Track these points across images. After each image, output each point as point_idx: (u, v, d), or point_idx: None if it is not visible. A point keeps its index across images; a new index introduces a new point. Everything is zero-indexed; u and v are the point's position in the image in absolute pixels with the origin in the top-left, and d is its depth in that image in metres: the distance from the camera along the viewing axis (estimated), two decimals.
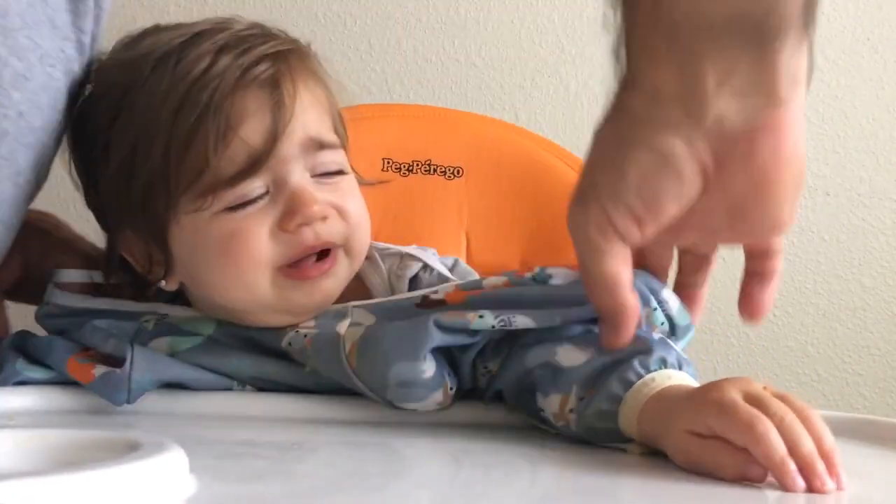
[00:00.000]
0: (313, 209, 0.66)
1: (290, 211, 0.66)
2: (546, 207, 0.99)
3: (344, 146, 0.73)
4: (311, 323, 0.70)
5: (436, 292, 0.68)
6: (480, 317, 0.63)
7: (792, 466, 0.44)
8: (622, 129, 0.52)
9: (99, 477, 0.33)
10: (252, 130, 0.66)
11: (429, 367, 0.63)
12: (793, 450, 0.45)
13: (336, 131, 0.73)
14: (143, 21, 1.34)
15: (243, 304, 0.69)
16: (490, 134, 1.02)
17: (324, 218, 0.67)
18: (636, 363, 0.56)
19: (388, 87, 1.31)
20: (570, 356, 0.61)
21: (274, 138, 0.66)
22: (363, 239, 0.72)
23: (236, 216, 0.66)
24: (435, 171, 0.99)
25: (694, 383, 0.55)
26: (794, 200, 0.52)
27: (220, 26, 0.70)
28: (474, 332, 0.64)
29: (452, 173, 1.00)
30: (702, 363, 1.33)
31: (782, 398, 0.48)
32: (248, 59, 0.67)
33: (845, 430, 0.59)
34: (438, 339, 0.63)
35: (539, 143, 1.04)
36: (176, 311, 0.73)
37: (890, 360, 1.33)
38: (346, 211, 0.69)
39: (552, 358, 0.62)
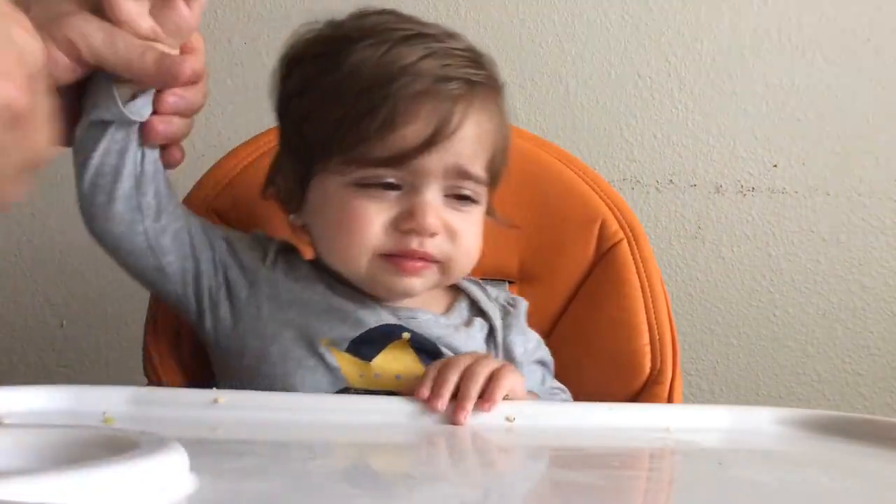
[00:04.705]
0: (428, 222, 0.76)
1: (409, 215, 0.76)
2: (544, 208, 0.99)
3: (494, 182, 0.83)
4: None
5: None
6: None
7: (427, 393, 0.67)
8: None
9: (99, 475, 0.33)
10: (412, 133, 0.75)
11: None
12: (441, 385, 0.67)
13: (490, 167, 0.81)
14: None
15: (337, 266, 0.80)
16: None
17: (433, 234, 0.77)
18: None
19: None
20: None
21: (425, 148, 0.75)
22: (463, 264, 0.81)
23: (360, 194, 0.77)
24: None
25: None
26: None
27: (440, 36, 0.80)
28: None
29: None
30: (701, 363, 1.33)
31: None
32: (443, 73, 0.76)
33: (845, 430, 0.59)
34: None
35: (537, 143, 1.03)
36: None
37: (890, 360, 1.34)
38: (457, 235, 0.78)
39: None
